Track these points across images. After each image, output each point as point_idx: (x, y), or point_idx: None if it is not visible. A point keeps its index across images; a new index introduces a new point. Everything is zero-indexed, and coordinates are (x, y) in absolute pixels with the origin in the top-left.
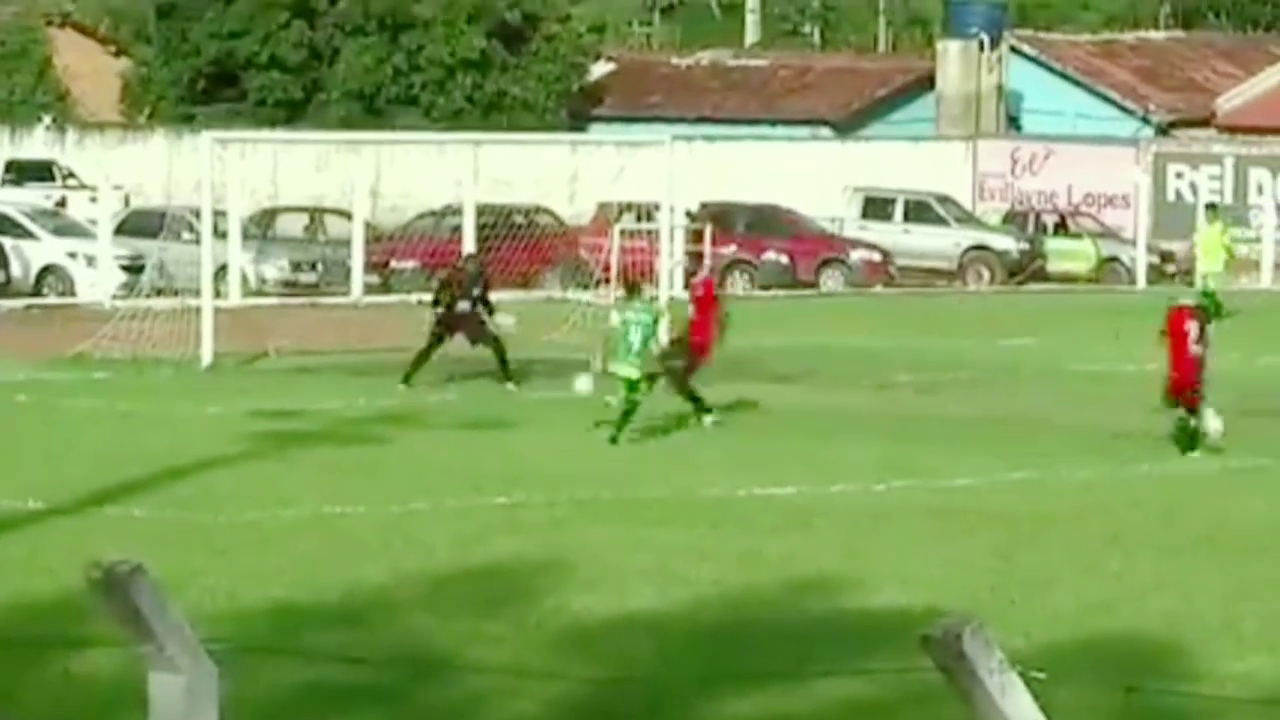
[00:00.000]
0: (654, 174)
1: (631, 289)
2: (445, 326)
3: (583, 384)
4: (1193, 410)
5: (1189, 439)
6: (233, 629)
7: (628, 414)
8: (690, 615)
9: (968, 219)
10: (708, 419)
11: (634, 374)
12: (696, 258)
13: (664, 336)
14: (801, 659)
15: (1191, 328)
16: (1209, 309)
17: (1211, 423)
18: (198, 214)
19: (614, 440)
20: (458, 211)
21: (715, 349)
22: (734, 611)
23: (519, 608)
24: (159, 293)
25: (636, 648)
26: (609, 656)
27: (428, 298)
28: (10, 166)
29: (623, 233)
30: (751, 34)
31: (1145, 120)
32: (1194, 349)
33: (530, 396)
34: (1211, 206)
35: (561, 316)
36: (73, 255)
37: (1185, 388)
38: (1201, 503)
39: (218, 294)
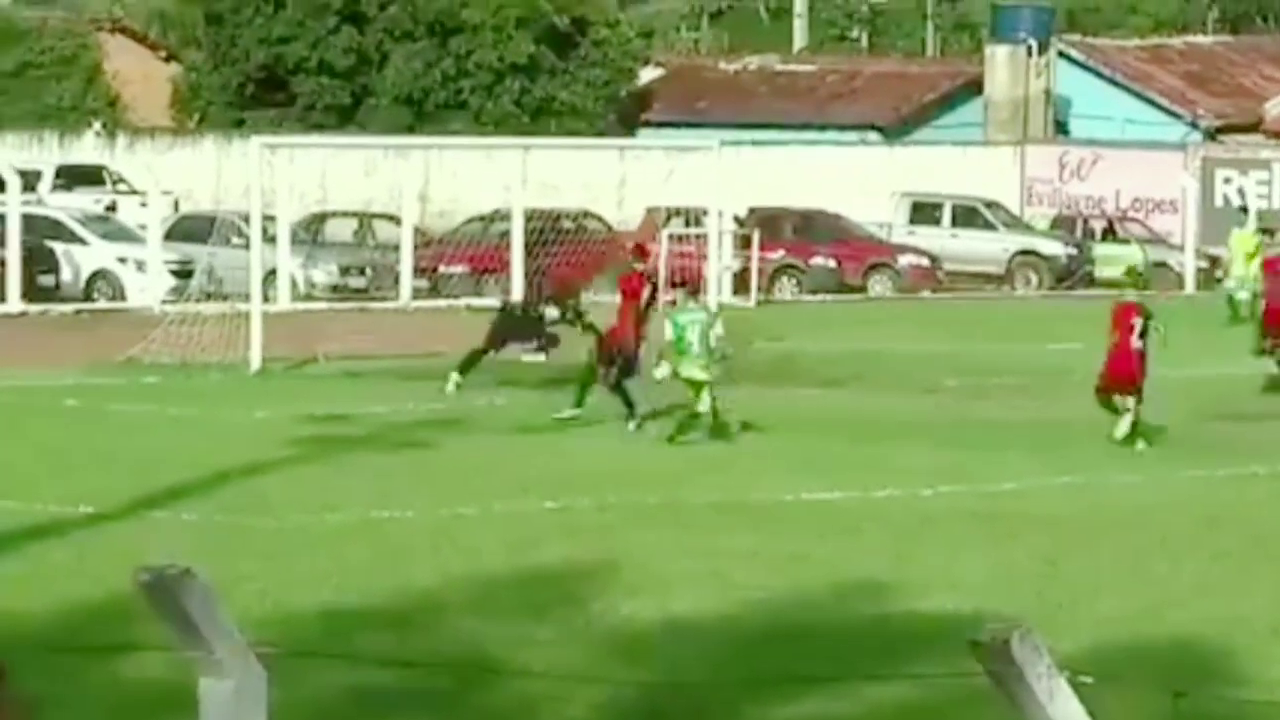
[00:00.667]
0: (702, 179)
1: (692, 292)
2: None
3: (662, 370)
4: (1137, 399)
5: (1133, 429)
6: (281, 633)
7: (694, 416)
8: (737, 619)
9: (1015, 224)
10: (631, 424)
11: (702, 375)
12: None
13: (718, 334)
14: (849, 663)
15: (1136, 323)
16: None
17: (1121, 425)
18: (247, 219)
19: (672, 439)
20: (506, 216)
21: (641, 351)
22: (781, 616)
23: (567, 612)
24: (208, 297)
25: (684, 652)
26: (656, 660)
27: (477, 302)
28: (61, 172)
29: (671, 237)
30: (799, 39)
31: (1193, 125)
32: (1135, 344)
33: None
34: (1244, 210)
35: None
36: (122, 260)
37: (1125, 380)
38: (1248, 507)
39: (267, 299)
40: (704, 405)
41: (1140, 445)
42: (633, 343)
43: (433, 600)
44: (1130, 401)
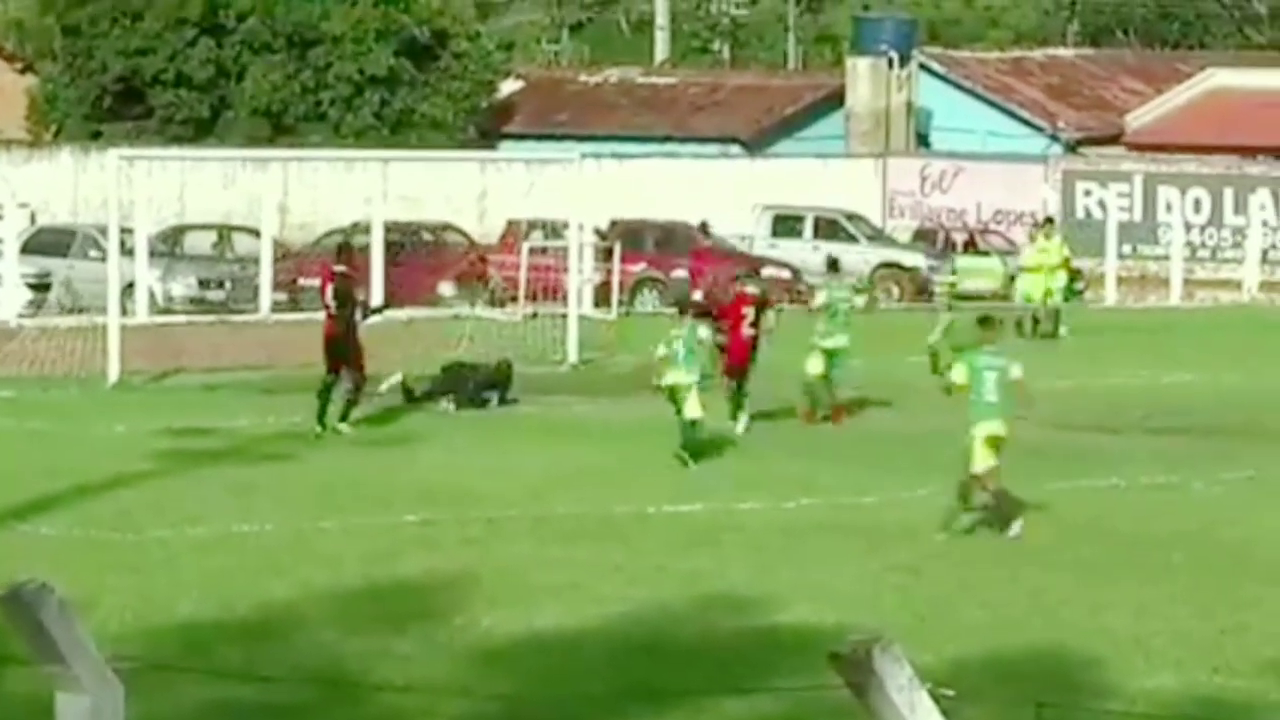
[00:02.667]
0: (563, 191)
1: (681, 311)
2: None
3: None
4: (742, 382)
5: (736, 407)
6: (142, 647)
7: (693, 424)
8: (600, 632)
9: (877, 236)
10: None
11: (686, 379)
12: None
13: (704, 334)
14: (711, 676)
15: (748, 312)
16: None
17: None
18: (104, 232)
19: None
20: (366, 229)
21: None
22: (644, 629)
23: (428, 625)
24: (66, 311)
25: (546, 665)
26: (518, 673)
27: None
28: None
29: (532, 250)
30: (661, 51)
31: (1054, 138)
32: (746, 331)
33: (440, 414)
34: (1049, 220)
35: (464, 333)
36: None
37: (738, 364)
38: (1110, 519)
39: (125, 312)
40: (695, 410)
41: (741, 423)
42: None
43: (293, 614)
44: (734, 385)
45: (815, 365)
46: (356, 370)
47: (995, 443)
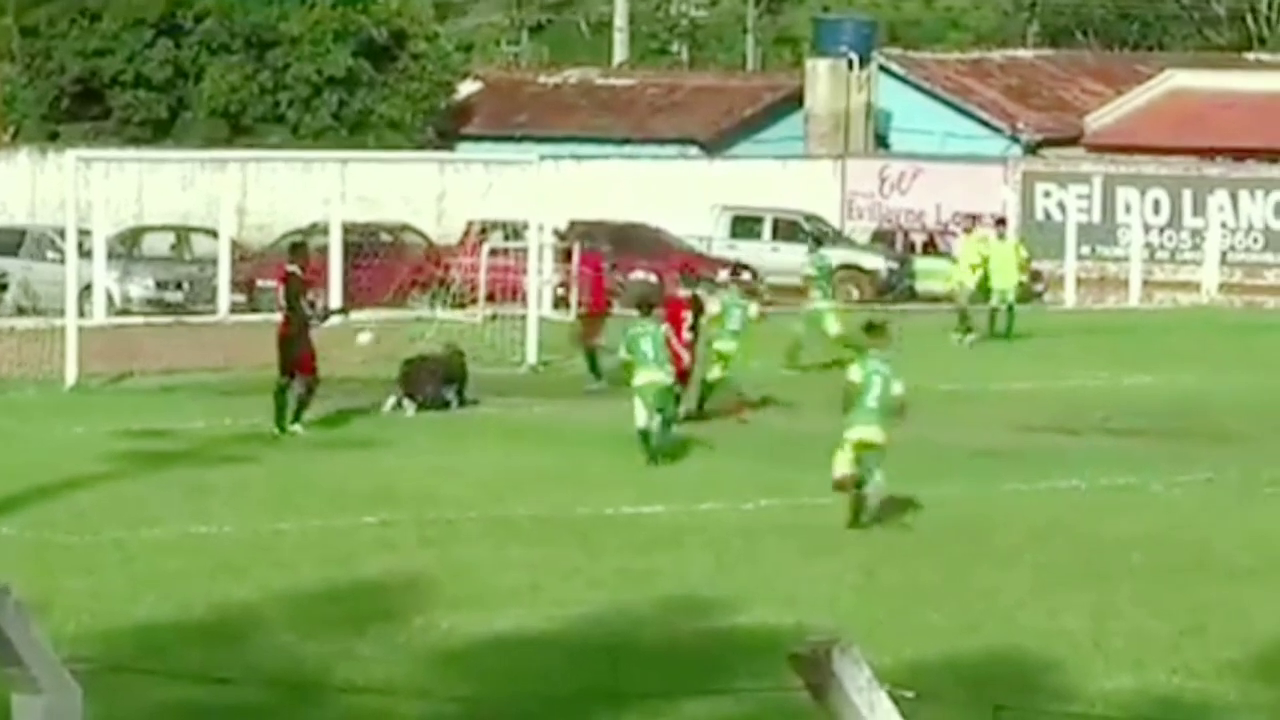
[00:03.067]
0: (522, 193)
1: (642, 308)
2: None
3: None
4: (684, 384)
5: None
6: (98, 649)
7: (667, 423)
8: (560, 633)
9: (837, 238)
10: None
11: (664, 379)
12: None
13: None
14: (671, 678)
15: (686, 316)
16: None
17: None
18: (62, 233)
19: (654, 460)
20: (325, 230)
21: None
22: (604, 630)
23: (388, 627)
24: (22, 311)
25: (506, 666)
26: (478, 674)
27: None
28: None
29: (491, 251)
30: (620, 53)
31: (1014, 139)
32: (686, 335)
33: (399, 415)
34: (1002, 222)
35: (422, 334)
36: None
37: (679, 368)
38: (1069, 520)
39: (82, 313)
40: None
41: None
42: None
43: (252, 616)
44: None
45: (715, 371)
46: (305, 372)
47: (865, 448)
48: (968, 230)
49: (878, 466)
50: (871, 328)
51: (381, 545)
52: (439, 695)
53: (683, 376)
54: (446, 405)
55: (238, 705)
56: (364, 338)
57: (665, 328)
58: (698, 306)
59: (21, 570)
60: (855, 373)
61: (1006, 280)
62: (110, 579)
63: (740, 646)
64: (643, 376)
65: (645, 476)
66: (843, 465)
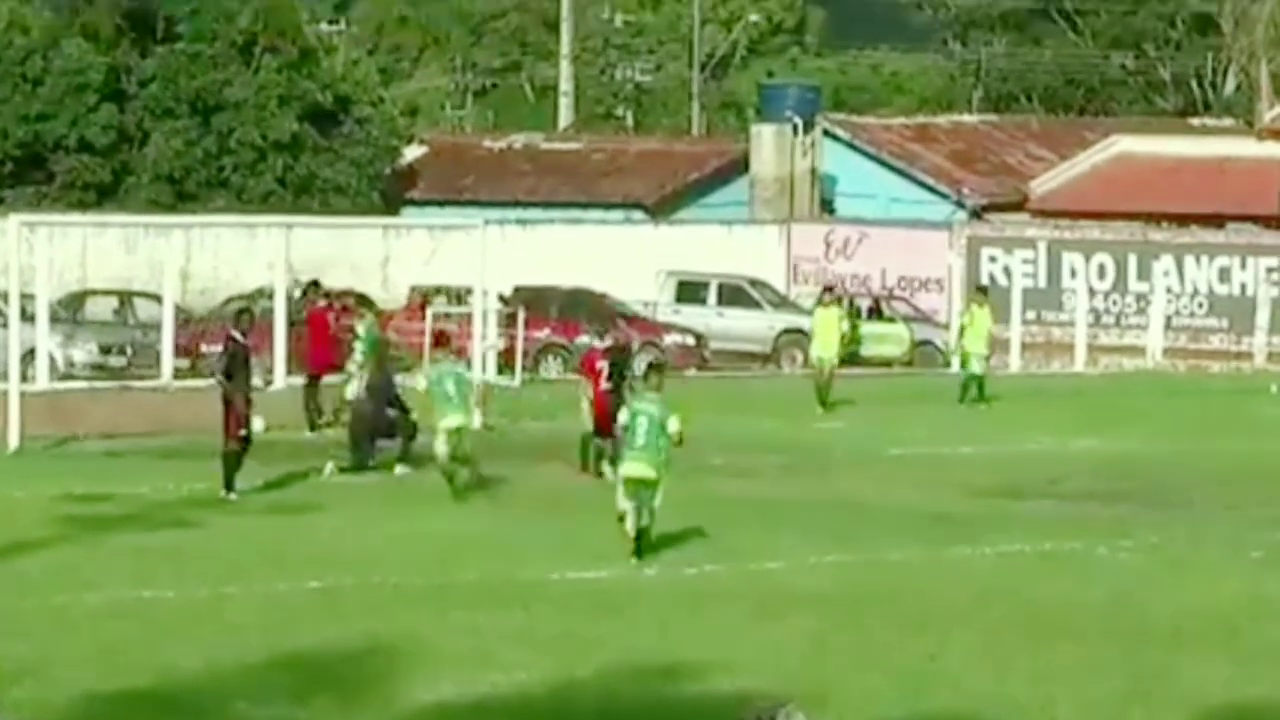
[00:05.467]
0: (467, 257)
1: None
2: None
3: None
4: (608, 437)
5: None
6: (41, 716)
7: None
8: (505, 700)
9: (782, 302)
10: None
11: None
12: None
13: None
14: None
15: (602, 367)
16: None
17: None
18: (5, 297)
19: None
20: (269, 295)
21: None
22: (548, 696)
23: (333, 694)
24: None
25: None
26: None
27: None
28: None
29: (436, 316)
30: (565, 117)
31: (959, 204)
32: (604, 385)
33: (340, 480)
34: (982, 290)
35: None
36: None
37: (603, 417)
38: (1015, 584)
39: (25, 378)
40: (443, 448)
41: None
42: None
43: (196, 682)
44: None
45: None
46: (230, 436)
47: (634, 484)
48: (979, 303)
49: (652, 499)
50: (648, 369)
51: (325, 610)
52: None
53: (605, 426)
54: (368, 462)
55: None
56: (257, 424)
57: (465, 371)
58: (624, 359)
59: None
60: (623, 415)
61: (977, 346)
62: (54, 644)
63: (687, 713)
64: (450, 420)
65: (589, 541)
66: (620, 501)
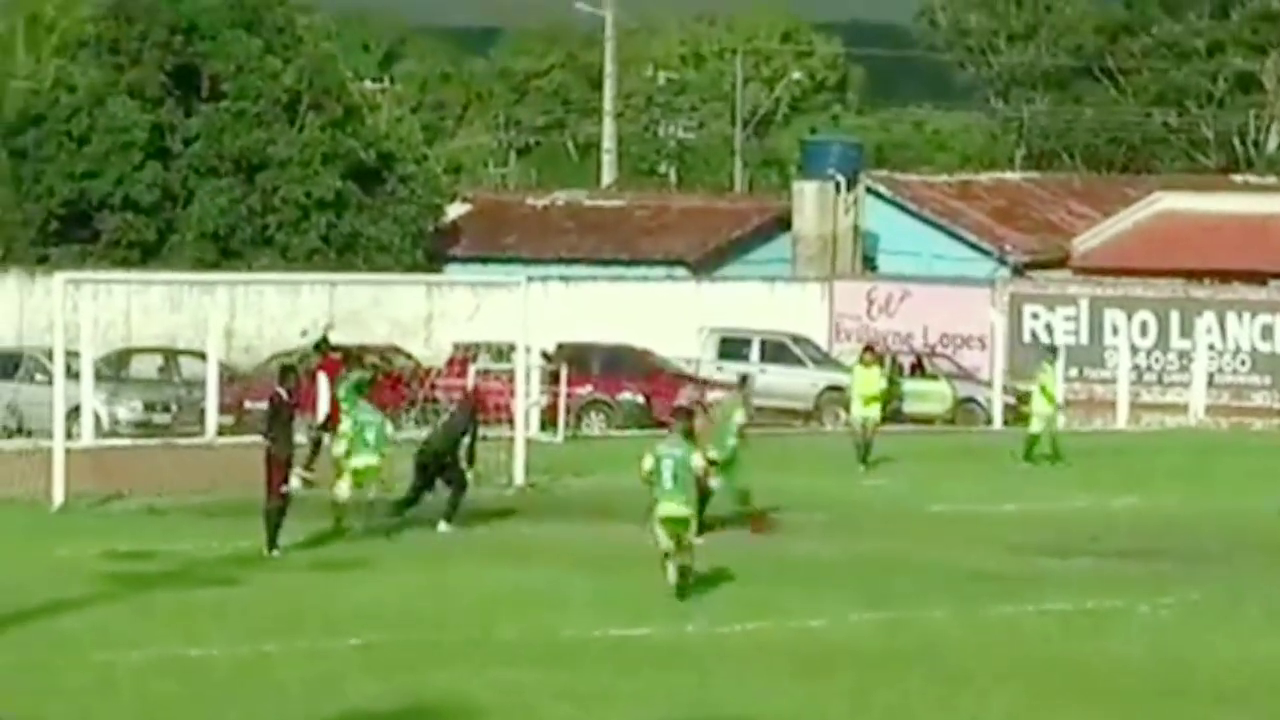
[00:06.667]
0: (509, 314)
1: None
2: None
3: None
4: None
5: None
6: None
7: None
8: None
9: (824, 359)
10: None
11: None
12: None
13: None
14: None
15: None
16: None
17: None
18: (50, 355)
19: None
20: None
21: None
22: None
23: None
24: (11, 434)
25: None
26: None
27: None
28: None
29: (478, 373)
30: (608, 174)
31: (1001, 261)
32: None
33: (381, 537)
34: (1052, 349)
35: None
36: None
37: None
38: (1057, 644)
39: (70, 435)
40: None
41: None
42: None
43: None
44: None
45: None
46: (273, 493)
47: (672, 523)
48: (1050, 361)
49: (690, 536)
50: (676, 413)
51: (367, 668)
52: None
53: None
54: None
55: None
56: (294, 482)
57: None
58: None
59: (7, 696)
60: (646, 461)
61: (1050, 407)
62: (95, 703)
63: None
64: (360, 459)
65: (630, 598)
66: (662, 543)
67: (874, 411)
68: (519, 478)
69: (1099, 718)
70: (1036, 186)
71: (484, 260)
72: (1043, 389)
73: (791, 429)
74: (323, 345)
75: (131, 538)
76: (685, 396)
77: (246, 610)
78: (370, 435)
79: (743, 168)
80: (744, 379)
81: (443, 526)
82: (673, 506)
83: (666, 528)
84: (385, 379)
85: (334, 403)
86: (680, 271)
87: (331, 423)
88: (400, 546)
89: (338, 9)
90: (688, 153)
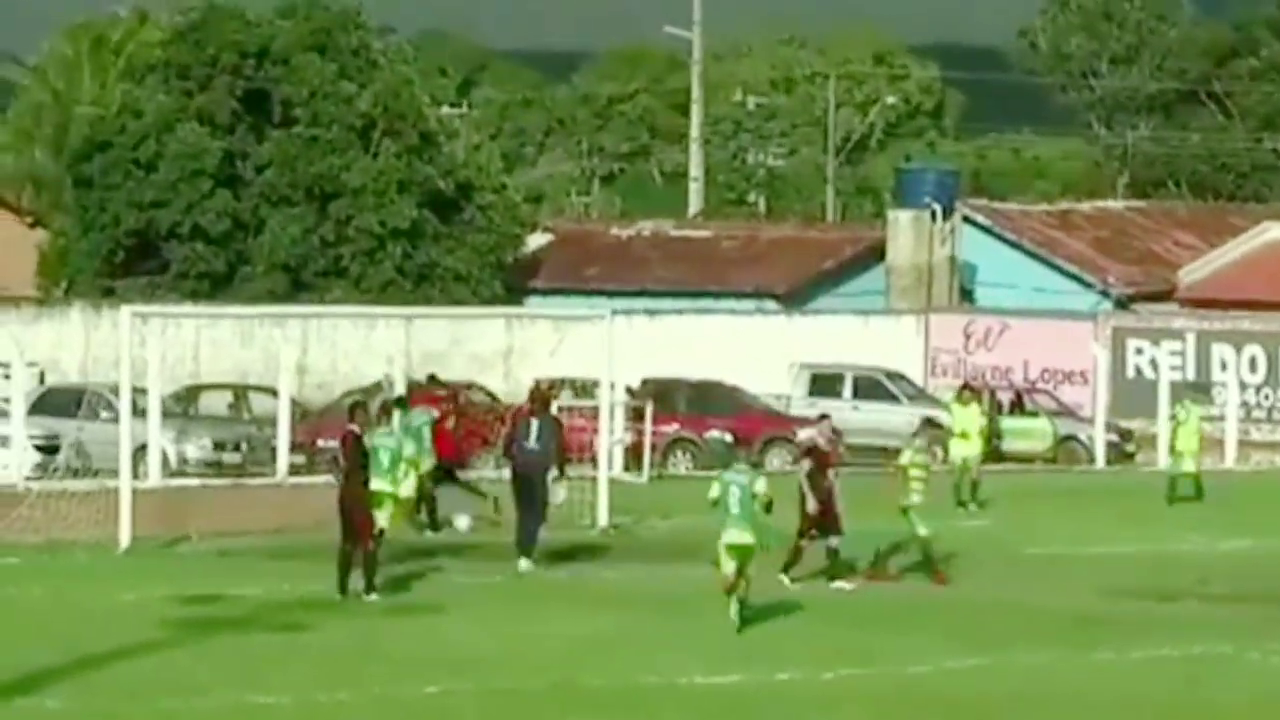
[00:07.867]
0: (592, 349)
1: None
2: None
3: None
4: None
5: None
6: None
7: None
8: None
9: (920, 396)
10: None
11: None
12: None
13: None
14: None
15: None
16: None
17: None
18: (116, 391)
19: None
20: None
21: None
22: None
23: None
24: (75, 474)
25: None
26: None
27: None
28: None
29: (560, 410)
30: (695, 203)
31: (1104, 293)
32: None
33: (460, 579)
34: (1195, 387)
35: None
36: None
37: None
38: (1162, 691)
39: (137, 475)
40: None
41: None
42: None
43: None
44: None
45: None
46: (363, 541)
47: (737, 550)
48: (1194, 399)
49: (749, 564)
50: (730, 445)
51: (442, 716)
52: None
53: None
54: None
55: None
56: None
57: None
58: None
59: None
60: (714, 489)
61: (1192, 444)
62: None
63: None
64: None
65: (719, 644)
66: (725, 568)
67: (974, 450)
68: (602, 519)
69: None
70: (1140, 215)
71: (566, 292)
72: (1184, 426)
73: (885, 468)
74: (429, 383)
75: (199, 581)
76: (820, 432)
77: (318, 656)
78: (385, 459)
79: (835, 196)
80: (823, 416)
81: (523, 564)
82: (737, 533)
83: (731, 554)
84: (464, 420)
85: (441, 443)
86: (770, 304)
87: (445, 460)
88: (479, 590)
89: (415, 32)
90: (777, 180)
